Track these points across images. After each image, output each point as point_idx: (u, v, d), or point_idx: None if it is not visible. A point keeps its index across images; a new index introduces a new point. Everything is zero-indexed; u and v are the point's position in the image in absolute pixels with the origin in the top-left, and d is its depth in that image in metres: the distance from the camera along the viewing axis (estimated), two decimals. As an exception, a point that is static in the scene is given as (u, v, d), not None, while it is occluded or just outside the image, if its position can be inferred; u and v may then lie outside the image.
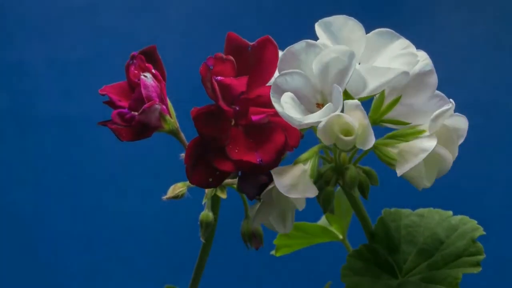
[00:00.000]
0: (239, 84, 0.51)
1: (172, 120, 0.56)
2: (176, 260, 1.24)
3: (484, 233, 0.57)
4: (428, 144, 0.49)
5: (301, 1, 1.36)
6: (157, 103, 0.54)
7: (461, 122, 0.52)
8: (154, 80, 0.55)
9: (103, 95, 0.55)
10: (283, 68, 0.51)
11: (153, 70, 0.56)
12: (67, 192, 1.33)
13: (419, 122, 0.52)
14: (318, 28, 0.53)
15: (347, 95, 0.50)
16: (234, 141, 0.51)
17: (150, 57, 0.57)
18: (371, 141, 0.48)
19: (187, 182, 0.58)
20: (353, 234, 0.70)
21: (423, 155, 0.49)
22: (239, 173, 0.53)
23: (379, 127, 0.54)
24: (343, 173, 0.53)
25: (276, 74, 0.54)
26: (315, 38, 0.52)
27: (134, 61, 0.56)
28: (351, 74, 0.48)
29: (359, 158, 0.54)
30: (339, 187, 0.56)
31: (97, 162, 1.33)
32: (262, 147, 0.51)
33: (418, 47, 0.53)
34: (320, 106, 0.51)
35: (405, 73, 0.50)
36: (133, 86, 0.55)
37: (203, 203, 0.59)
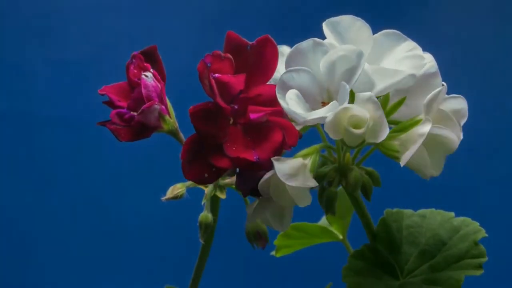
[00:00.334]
0: (237, 82, 0.51)
1: (172, 120, 0.56)
2: (176, 260, 1.24)
3: (487, 235, 0.57)
4: (424, 128, 0.49)
5: (302, 1, 1.36)
6: (156, 103, 0.54)
7: (458, 103, 0.52)
8: (154, 80, 0.55)
9: (103, 95, 0.55)
10: (290, 65, 0.51)
11: (151, 70, 0.55)
12: (67, 192, 1.32)
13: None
14: (325, 28, 0.53)
15: (353, 96, 0.50)
16: (232, 139, 0.51)
17: (150, 57, 0.57)
18: (385, 133, 0.48)
19: (186, 183, 0.58)
20: (353, 234, 0.70)
21: (421, 140, 0.48)
22: (237, 172, 0.53)
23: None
24: (346, 174, 0.53)
25: (282, 70, 0.54)
26: (316, 38, 0.52)
27: (134, 60, 0.56)
28: (359, 74, 0.48)
29: (363, 159, 0.54)
30: (339, 187, 0.56)
31: (97, 162, 1.33)
32: (260, 145, 0.51)
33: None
34: (325, 104, 0.50)
35: (412, 75, 0.50)
36: (133, 86, 0.55)
37: (202, 203, 0.59)
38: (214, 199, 0.59)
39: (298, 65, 0.51)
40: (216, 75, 0.51)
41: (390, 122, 0.53)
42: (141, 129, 0.54)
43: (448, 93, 0.53)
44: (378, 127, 0.48)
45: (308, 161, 0.51)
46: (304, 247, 0.72)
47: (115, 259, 1.32)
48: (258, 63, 0.53)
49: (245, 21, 1.32)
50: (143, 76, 0.55)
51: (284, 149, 0.51)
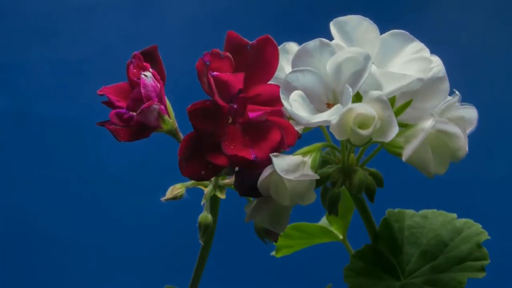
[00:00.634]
0: (236, 80, 0.51)
1: (171, 120, 0.56)
2: (176, 261, 1.24)
3: (489, 237, 0.57)
4: (427, 123, 0.49)
5: (302, 2, 1.36)
6: (155, 103, 0.54)
7: (469, 113, 0.52)
8: (154, 80, 0.55)
9: (102, 95, 0.55)
10: (296, 64, 0.51)
11: (150, 70, 0.55)
12: (67, 192, 1.32)
13: None
14: (332, 28, 0.52)
15: (359, 98, 0.50)
16: (231, 137, 0.51)
17: (150, 57, 0.57)
18: (394, 132, 0.47)
19: (186, 183, 0.58)
20: (353, 234, 0.70)
21: (423, 133, 0.48)
22: (235, 171, 0.53)
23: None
24: (350, 176, 0.53)
25: (286, 68, 0.54)
26: (313, 38, 0.52)
27: (133, 60, 0.56)
28: (366, 77, 0.48)
29: (367, 160, 0.54)
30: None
31: (97, 162, 1.33)
32: (258, 144, 0.51)
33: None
34: (330, 106, 0.50)
35: (420, 80, 0.49)
36: (133, 86, 0.55)
37: (202, 203, 0.59)
38: (214, 199, 0.59)
39: (304, 65, 0.51)
40: (215, 73, 0.51)
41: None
42: (140, 129, 0.54)
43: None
44: (387, 126, 0.48)
45: (308, 159, 0.51)
46: (304, 247, 0.72)
47: (115, 259, 1.32)
48: (258, 62, 0.53)
49: (246, 20, 1.32)
50: (142, 76, 0.54)
51: (282, 149, 0.51)
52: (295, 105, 0.49)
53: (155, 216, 1.29)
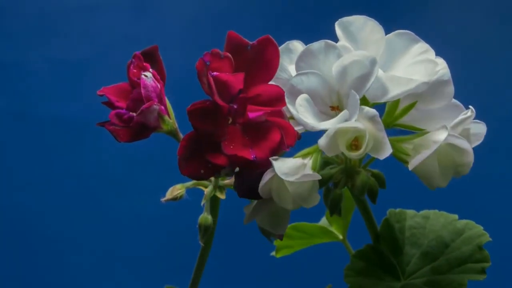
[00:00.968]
0: (236, 80, 0.51)
1: (171, 121, 0.56)
2: (176, 261, 1.24)
3: (490, 239, 0.56)
4: (440, 135, 0.48)
5: (302, 2, 1.36)
6: (155, 103, 0.54)
7: (479, 128, 0.52)
8: (154, 80, 0.55)
9: (101, 95, 0.55)
10: (300, 65, 0.51)
11: (150, 70, 0.55)
12: (67, 192, 1.32)
13: (434, 129, 0.51)
14: (337, 28, 0.52)
15: (364, 100, 0.50)
16: (230, 138, 0.51)
17: (150, 57, 0.57)
18: (387, 152, 0.47)
19: (186, 184, 0.58)
20: (353, 234, 0.70)
21: (435, 146, 0.48)
22: (235, 172, 0.53)
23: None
24: (353, 177, 0.53)
25: (288, 67, 0.54)
26: (317, 39, 0.52)
27: (133, 60, 0.56)
28: (372, 81, 0.48)
29: (369, 162, 0.54)
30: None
31: (96, 162, 1.33)
32: (258, 144, 0.51)
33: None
34: (334, 109, 0.50)
35: (426, 84, 0.49)
36: (134, 86, 0.55)
37: (202, 204, 0.58)
38: (214, 200, 0.59)
39: (308, 66, 0.50)
40: (215, 73, 0.51)
41: (399, 126, 0.53)
42: (140, 129, 0.54)
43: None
44: (380, 146, 0.47)
45: (308, 161, 0.51)
46: (304, 247, 0.72)
47: (115, 259, 1.32)
48: (258, 63, 0.53)
49: (246, 21, 1.32)
50: (142, 76, 0.54)
51: (282, 149, 0.51)
52: (301, 110, 0.49)
53: (155, 216, 1.29)
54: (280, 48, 0.55)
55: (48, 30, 1.34)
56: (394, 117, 0.52)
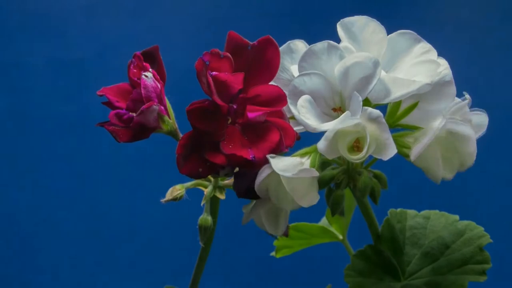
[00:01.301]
0: (235, 80, 0.51)
1: (171, 121, 0.56)
2: (176, 261, 1.24)
3: (491, 241, 0.56)
4: (438, 122, 0.48)
5: (303, 3, 1.36)
6: (155, 103, 0.54)
7: (480, 119, 0.52)
8: (154, 80, 0.55)
9: (101, 96, 0.55)
10: (302, 65, 0.51)
11: (150, 70, 0.55)
12: (67, 192, 1.32)
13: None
14: (339, 28, 0.52)
15: (366, 102, 0.50)
16: (229, 137, 0.51)
17: (151, 57, 0.57)
18: (392, 152, 0.47)
19: (186, 184, 0.58)
20: (353, 234, 0.70)
21: (432, 132, 0.48)
22: (235, 172, 0.53)
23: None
24: (354, 178, 0.52)
25: (290, 66, 0.54)
26: (318, 39, 0.52)
27: (133, 60, 0.56)
28: (375, 83, 0.48)
29: (371, 163, 0.54)
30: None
31: (96, 162, 1.33)
32: (257, 144, 0.51)
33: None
34: (337, 110, 0.50)
35: (428, 85, 0.49)
36: (134, 85, 0.55)
37: (202, 204, 0.58)
38: (213, 200, 0.59)
39: (310, 66, 0.50)
40: (214, 73, 0.51)
41: (401, 126, 0.53)
42: (140, 129, 0.54)
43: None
44: (384, 148, 0.47)
45: (306, 160, 0.51)
46: (304, 247, 0.72)
47: (115, 259, 1.32)
48: (258, 63, 0.53)
49: (247, 21, 1.32)
50: (143, 77, 0.54)
51: (281, 150, 0.51)
52: (303, 111, 0.49)
53: (155, 216, 1.29)
54: (281, 48, 0.55)
55: (48, 30, 1.34)
56: (396, 118, 0.52)
